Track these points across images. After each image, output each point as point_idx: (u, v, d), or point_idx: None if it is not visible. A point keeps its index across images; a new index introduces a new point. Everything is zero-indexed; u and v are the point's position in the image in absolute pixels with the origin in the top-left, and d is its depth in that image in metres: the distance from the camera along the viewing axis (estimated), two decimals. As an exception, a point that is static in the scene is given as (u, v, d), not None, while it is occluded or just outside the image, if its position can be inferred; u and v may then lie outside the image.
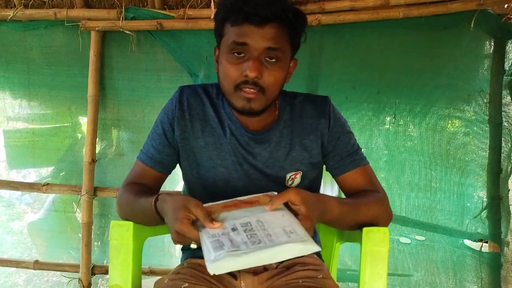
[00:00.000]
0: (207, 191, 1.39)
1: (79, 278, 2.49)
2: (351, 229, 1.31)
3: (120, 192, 1.38)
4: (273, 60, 1.22)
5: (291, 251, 1.01)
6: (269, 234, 1.03)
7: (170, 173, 1.45)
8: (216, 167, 1.38)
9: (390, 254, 2.35)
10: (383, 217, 1.33)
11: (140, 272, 1.32)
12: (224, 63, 1.24)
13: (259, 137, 1.37)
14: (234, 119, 1.37)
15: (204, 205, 1.13)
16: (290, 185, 1.39)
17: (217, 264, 0.98)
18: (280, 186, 1.37)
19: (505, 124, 2.31)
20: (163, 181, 1.45)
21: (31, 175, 3.54)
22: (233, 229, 1.05)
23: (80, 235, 2.49)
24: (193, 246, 1.09)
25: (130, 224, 1.27)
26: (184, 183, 1.49)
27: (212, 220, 1.06)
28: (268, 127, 1.38)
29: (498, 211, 2.33)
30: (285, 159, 1.38)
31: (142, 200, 1.25)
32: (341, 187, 1.42)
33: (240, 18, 1.19)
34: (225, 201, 1.18)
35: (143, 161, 1.41)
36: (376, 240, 1.21)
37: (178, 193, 1.71)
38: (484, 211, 2.34)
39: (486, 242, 2.36)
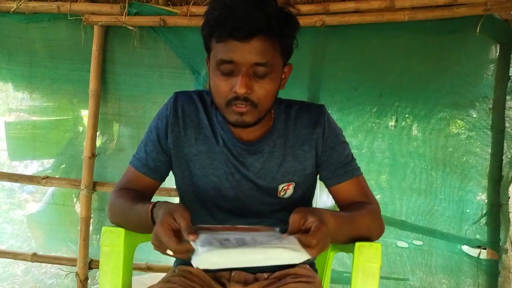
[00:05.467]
0: (199, 199, 1.38)
1: (76, 272, 2.50)
2: (345, 243, 1.28)
3: (112, 198, 1.36)
4: (263, 74, 1.18)
5: (281, 256, 0.98)
6: (261, 242, 1.02)
7: (163, 181, 1.43)
8: (208, 176, 1.36)
9: (387, 257, 2.37)
10: (377, 230, 1.31)
11: (130, 279, 1.32)
12: (214, 78, 1.22)
13: (251, 148, 1.35)
14: (226, 129, 1.35)
15: (203, 225, 1.10)
16: (282, 196, 1.37)
17: (201, 257, 0.94)
18: (272, 197, 1.36)
19: (508, 130, 2.28)
20: (157, 188, 1.43)
21: (33, 165, 3.54)
22: (225, 240, 1.03)
23: (79, 228, 2.50)
24: (169, 252, 1.05)
25: (121, 230, 1.26)
26: (177, 190, 1.47)
27: (193, 232, 1.01)
28: (261, 137, 1.35)
29: (497, 218, 2.31)
30: (277, 170, 1.36)
31: (138, 207, 1.23)
32: (334, 197, 1.41)
33: (224, 34, 1.15)
34: (224, 226, 1.14)
35: (136, 167, 1.39)
36: (368, 256, 1.19)
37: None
38: (483, 218, 2.32)
39: (484, 249, 2.35)
